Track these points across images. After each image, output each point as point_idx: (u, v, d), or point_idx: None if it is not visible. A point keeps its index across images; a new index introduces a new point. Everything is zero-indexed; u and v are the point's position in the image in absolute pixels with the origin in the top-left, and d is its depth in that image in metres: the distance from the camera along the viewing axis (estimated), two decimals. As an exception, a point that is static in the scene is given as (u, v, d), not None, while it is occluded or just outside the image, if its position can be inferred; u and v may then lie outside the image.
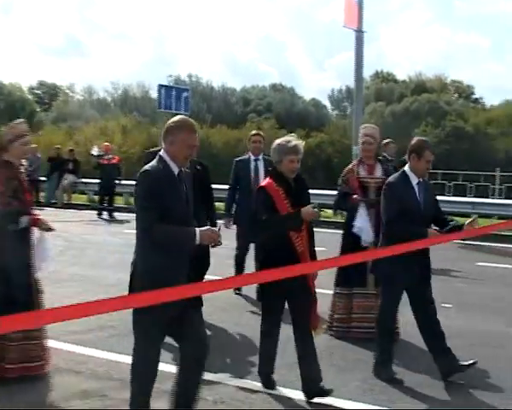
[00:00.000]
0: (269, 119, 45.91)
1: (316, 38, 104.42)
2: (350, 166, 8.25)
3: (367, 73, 56.22)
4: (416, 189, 6.56)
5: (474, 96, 57.09)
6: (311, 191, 6.18)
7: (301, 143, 6.02)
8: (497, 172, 26.87)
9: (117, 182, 22.22)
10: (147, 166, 4.76)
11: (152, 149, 7.72)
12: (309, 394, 5.84)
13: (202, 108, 53.73)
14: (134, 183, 4.75)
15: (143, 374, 4.91)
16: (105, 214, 21.64)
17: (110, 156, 22.06)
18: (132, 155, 34.25)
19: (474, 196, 24.13)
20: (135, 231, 4.75)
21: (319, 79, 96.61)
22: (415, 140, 6.79)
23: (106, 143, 23.48)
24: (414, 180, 6.57)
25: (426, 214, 6.53)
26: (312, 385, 5.82)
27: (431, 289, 6.68)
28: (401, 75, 63.92)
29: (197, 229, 4.70)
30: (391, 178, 6.82)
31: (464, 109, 46.40)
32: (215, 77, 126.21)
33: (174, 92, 29.12)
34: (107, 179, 21.89)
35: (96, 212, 22.11)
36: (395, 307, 6.67)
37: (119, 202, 26.99)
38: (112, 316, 8.55)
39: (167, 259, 4.63)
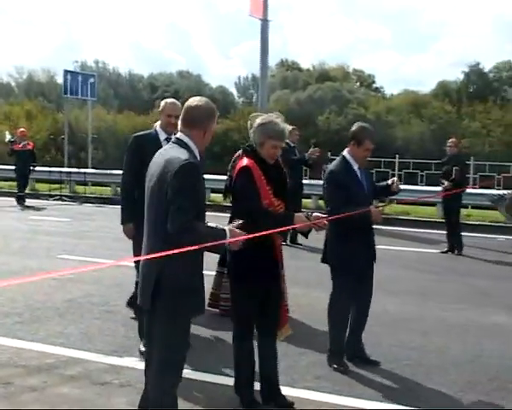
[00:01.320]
0: (176, 105, 45.53)
1: (222, 26, 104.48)
2: (240, 151, 8.22)
3: (272, 61, 56.67)
4: (358, 173, 6.40)
5: (374, 85, 58.45)
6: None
7: (288, 128, 5.31)
8: (396, 158, 27.58)
9: (31, 168, 21.56)
10: (187, 157, 4.09)
11: (140, 134, 6.93)
12: (267, 398, 5.44)
13: (109, 93, 52.95)
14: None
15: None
16: (14, 201, 21.01)
17: (25, 142, 21.34)
18: (37, 141, 33.35)
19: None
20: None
21: (225, 67, 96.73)
22: (355, 126, 6.46)
23: (21, 129, 22.63)
24: (355, 165, 6.38)
25: (369, 197, 6.43)
26: (272, 388, 5.45)
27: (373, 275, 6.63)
28: (305, 64, 64.82)
29: (227, 228, 4.18)
30: (332, 166, 6.53)
31: (365, 98, 47.40)
32: (122, 63, 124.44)
33: (80, 78, 28.63)
34: (22, 165, 21.15)
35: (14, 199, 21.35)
36: (348, 295, 6.40)
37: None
38: (17, 303, 8.37)
39: (197, 259, 4.20)
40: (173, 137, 4.47)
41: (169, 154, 4.18)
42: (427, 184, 24.85)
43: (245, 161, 5.23)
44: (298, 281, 8.46)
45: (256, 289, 5.16)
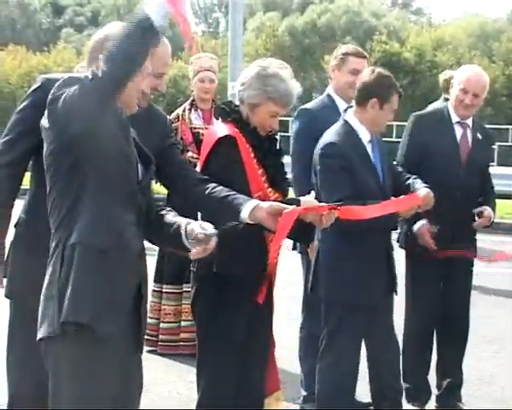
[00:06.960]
0: (95, 37, 45.62)
1: None
2: (178, 110, 8.30)
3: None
4: (370, 149, 6.10)
5: (415, 6, 58.80)
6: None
7: (298, 89, 5.20)
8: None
9: None
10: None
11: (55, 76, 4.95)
12: None
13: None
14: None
15: None
16: None
17: None
18: None
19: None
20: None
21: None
22: (375, 73, 6.05)
23: None
24: (365, 136, 6.08)
25: (386, 187, 6.12)
26: None
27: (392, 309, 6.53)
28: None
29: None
30: (331, 136, 6.08)
31: (401, 25, 47.55)
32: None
33: None
34: None
35: None
36: (353, 351, 6.22)
37: None
38: None
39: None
40: None
41: None
42: (502, 164, 24.92)
43: (224, 129, 5.16)
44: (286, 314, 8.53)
45: (238, 316, 5.12)
